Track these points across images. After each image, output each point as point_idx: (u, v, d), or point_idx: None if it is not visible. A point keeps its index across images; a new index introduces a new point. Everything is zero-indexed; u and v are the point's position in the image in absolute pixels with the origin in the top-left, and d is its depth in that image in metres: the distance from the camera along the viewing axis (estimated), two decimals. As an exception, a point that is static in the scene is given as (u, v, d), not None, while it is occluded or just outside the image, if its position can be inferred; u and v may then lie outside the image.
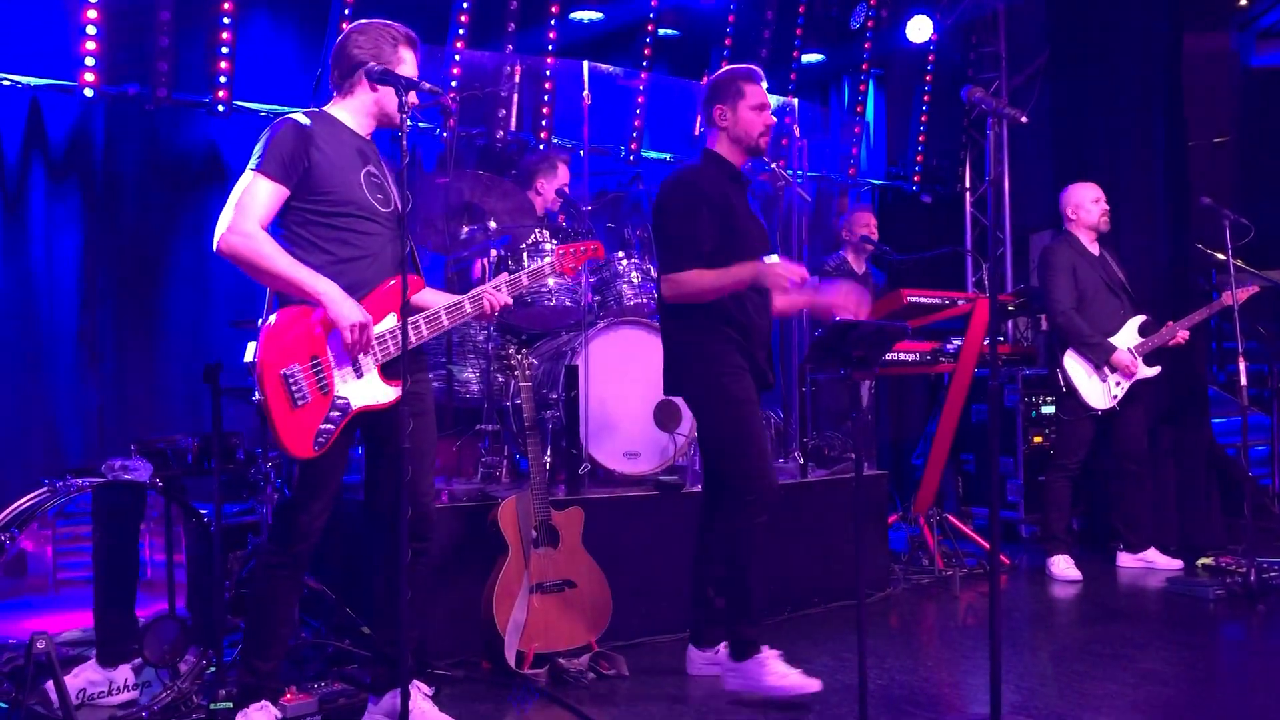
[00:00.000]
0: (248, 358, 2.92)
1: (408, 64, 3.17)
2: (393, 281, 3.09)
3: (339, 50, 3.17)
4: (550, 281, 4.87)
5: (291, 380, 2.90)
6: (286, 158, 2.98)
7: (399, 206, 3.18)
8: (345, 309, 2.93)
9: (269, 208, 2.98)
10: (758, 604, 3.60)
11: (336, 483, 3.13)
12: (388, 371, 3.07)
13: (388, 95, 3.12)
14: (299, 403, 2.90)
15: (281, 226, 3.06)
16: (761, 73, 3.80)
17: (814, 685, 3.43)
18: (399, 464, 2.90)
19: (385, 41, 3.14)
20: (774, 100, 6.90)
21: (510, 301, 3.29)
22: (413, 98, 3.00)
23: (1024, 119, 3.28)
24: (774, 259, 3.50)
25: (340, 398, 2.98)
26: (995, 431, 3.12)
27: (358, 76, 3.12)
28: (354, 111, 3.19)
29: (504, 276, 3.34)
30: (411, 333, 3.06)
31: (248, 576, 4.17)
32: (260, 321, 3.01)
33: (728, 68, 3.87)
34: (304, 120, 3.08)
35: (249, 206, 2.95)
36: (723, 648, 3.62)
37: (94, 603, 3.26)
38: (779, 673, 3.47)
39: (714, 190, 3.63)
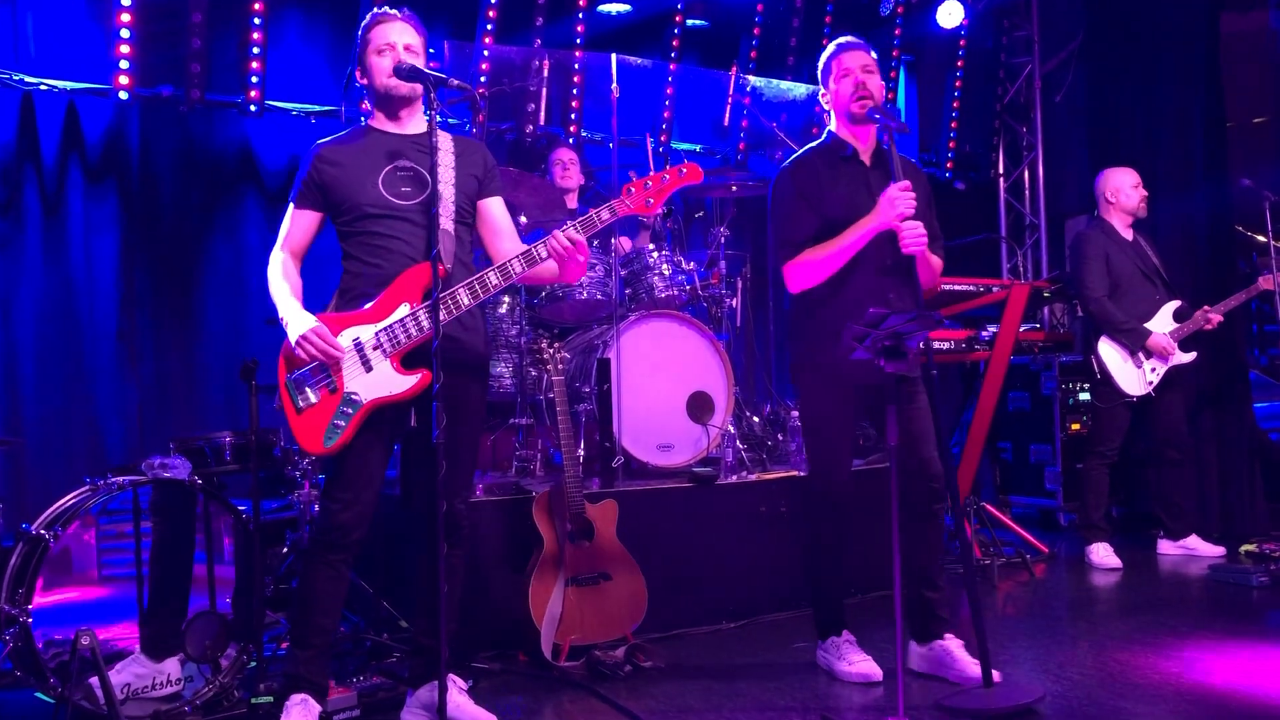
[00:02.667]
0: None
1: (373, 42, 3.19)
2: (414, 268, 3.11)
3: None
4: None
5: (294, 387, 3.06)
6: (303, 183, 3.20)
7: (439, 192, 3.16)
8: (291, 330, 3.05)
9: (297, 233, 3.22)
10: (827, 590, 3.75)
11: (368, 476, 3.12)
12: (406, 362, 3.08)
13: (370, 71, 3.20)
14: (301, 407, 3.05)
15: (340, 245, 3.24)
16: (852, 40, 3.64)
17: (876, 673, 3.57)
18: (427, 459, 2.97)
19: (360, 35, 3.24)
20: (803, 89, 6.95)
21: (583, 239, 3.14)
22: (385, 61, 3.15)
23: (906, 130, 3.36)
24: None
25: (351, 393, 3.04)
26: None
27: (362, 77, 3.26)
28: (375, 111, 3.28)
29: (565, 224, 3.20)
30: (426, 319, 3.06)
31: (286, 572, 4.23)
32: None
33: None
34: (327, 140, 3.25)
35: (281, 232, 3.23)
36: (937, 643, 3.63)
37: (148, 596, 3.32)
38: (849, 659, 3.62)
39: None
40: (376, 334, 3.06)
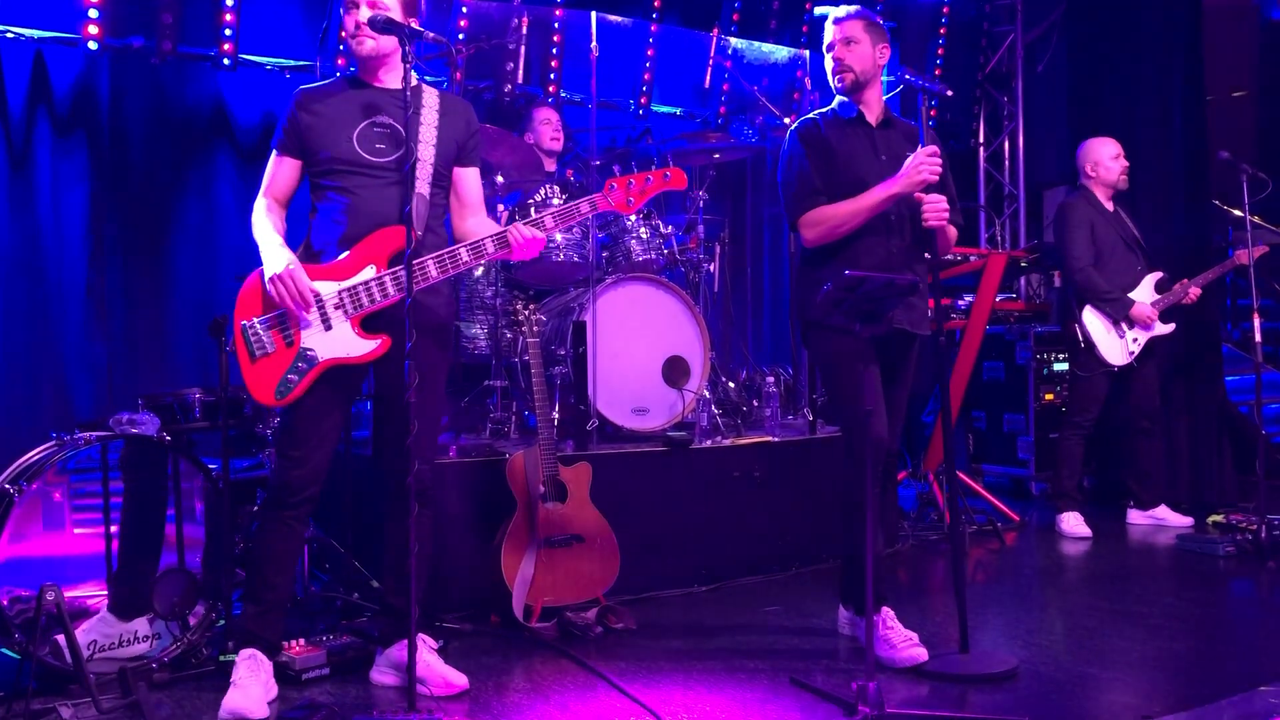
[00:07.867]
0: None
1: None
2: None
3: None
4: (558, 237, 4.84)
5: (250, 332, 3.01)
6: (284, 129, 3.17)
7: (416, 153, 3.13)
8: (268, 267, 3.00)
9: (279, 180, 3.19)
10: (857, 554, 3.40)
11: (319, 437, 3.10)
12: (367, 325, 3.05)
13: (344, 26, 3.14)
14: (256, 354, 3.00)
15: (309, 194, 3.21)
16: (838, 13, 3.57)
17: (923, 655, 3.38)
18: (397, 421, 2.94)
19: None
20: (785, 52, 6.88)
21: (543, 235, 3.17)
22: (350, 18, 3.08)
23: (950, 93, 3.43)
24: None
25: (307, 349, 3.01)
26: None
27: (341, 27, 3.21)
28: (359, 64, 3.22)
29: (550, 208, 3.21)
30: (391, 285, 3.02)
31: (256, 530, 4.20)
32: None
33: None
34: (310, 86, 3.22)
35: (265, 180, 3.20)
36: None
37: (118, 555, 3.28)
38: (895, 643, 3.39)
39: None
40: (339, 292, 3.03)
